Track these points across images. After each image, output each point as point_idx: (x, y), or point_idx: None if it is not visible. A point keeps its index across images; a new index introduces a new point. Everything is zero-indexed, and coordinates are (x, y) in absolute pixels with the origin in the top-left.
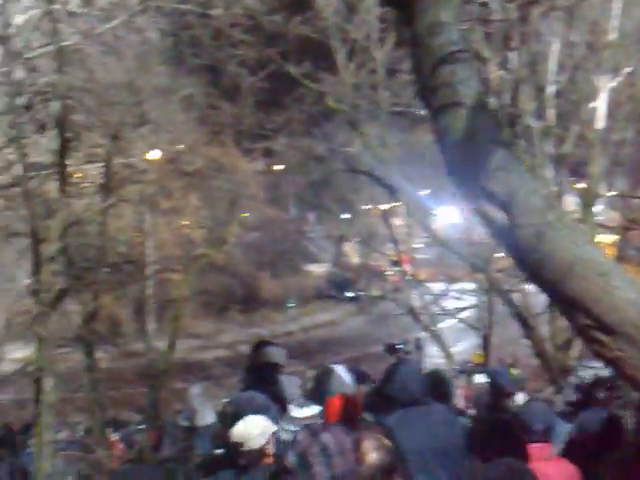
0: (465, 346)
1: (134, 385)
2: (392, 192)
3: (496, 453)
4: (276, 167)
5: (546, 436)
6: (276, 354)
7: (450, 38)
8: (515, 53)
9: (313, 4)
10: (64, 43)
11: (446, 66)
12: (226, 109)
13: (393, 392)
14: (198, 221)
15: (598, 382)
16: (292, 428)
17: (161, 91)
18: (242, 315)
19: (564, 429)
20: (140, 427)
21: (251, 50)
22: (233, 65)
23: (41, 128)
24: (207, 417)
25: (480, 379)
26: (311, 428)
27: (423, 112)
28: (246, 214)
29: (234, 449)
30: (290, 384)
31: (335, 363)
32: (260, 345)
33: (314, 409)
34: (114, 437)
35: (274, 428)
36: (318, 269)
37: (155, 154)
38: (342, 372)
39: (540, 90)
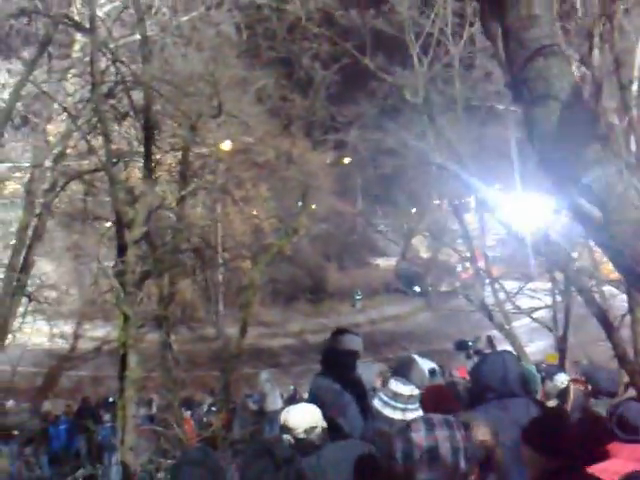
0: (538, 346)
1: (205, 368)
2: (467, 186)
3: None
4: (345, 160)
5: None
6: (355, 342)
7: (544, 31)
8: (597, 50)
9: None
10: (146, 34)
11: (540, 59)
12: (298, 102)
13: (492, 382)
14: (267, 211)
15: None
16: (398, 405)
17: (236, 83)
18: (309, 305)
19: None
20: (212, 408)
21: (325, 44)
22: (307, 58)
23: (123, 117)
24: (276, 402)
25: (560, 379)
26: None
27: (499, 106)
28: (314, 206)
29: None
30: (368, 371)
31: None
32: (339, 332)
33: (415, 389)
34: (186, 416)
35: (320, 421)
36: (386, 262)
37: (227, 145)
38: (422, 363)
39: (623, 88)
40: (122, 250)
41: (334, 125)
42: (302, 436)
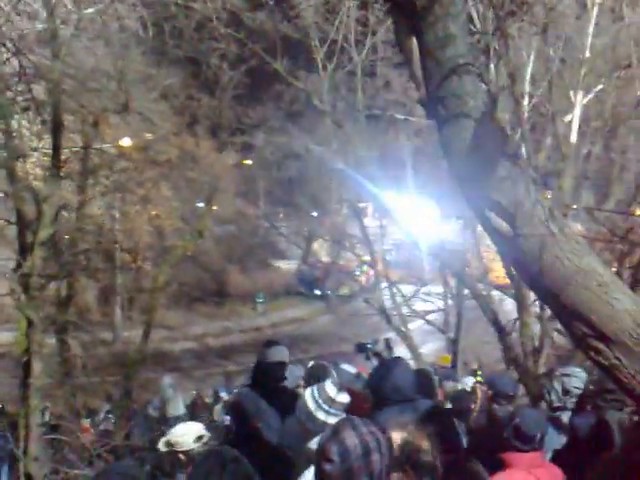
0: (431, 348)
1: (103, 373)
2: (367, 191)
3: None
4: (248, 161)
5: (540, 443)
6: (282, 353)
7: (459, 51)
8: (493, 65)
9: (294, 3)
10: (40, 26)
11: (455, 78)
12: (204, 101)
13: (386, 390)
14: (169, 211)
15: (587, 388)
16: (331, 410)
17: (141, 79)
18: (211, 308)
19: (553, 435)
20: (109, 415)
21: (232, 45)
22: (214, 58)
23: (24, 110)
24: (178, 408)
25: (467, 382)
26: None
27: (398, 116)
28: (217, 207)
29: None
30: (290, 374)
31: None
32: (267, 345)
33: (347, 397)
34: (86, 424)
35: (205, 435)
36: (287, 265)
37: (127, 141)
38: (345, 369)
39: (517, 103)
40: (24, 251)
41: (240, 127)
42: (192, 447)
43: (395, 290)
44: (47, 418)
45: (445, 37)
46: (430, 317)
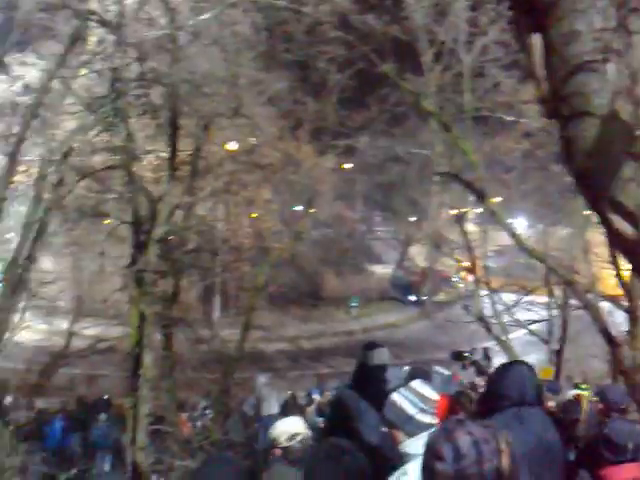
0: (533, 359)
1: (200, 370)
2: (471, 196)
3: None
4: (346, 165)
5: (635, 454)
6: (384, 355)
7: (585, 47)
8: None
9: (403, 5)
10: (160, 32)
11: (580, 75)
12: (310, 105)
13: (510, 391)
14: (269, 214)
15: None
16: (420, 405)
17: (251, 84)
18: (305, 310)
19: None
20: (205, 411)
21: (341, 47)
22: (322, 62)
23: (141, 114)
24: (272, 407)
25: (571, 393)
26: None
27: (507, 118)
28: (314, 210)
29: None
30: (394, 375)
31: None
32: (368, 347)
33: (436, 395)
34: (183, 418)
35: (301, 433)
36: (382, 270)
37: (233, 145)
38: (440, 371)
39: (637, 105)
40: (138, 249)
41: (343, 130)
42: (286, 444)
43: (495, 298)
44: (151, 410)
45: (571, 33)
46: (533, 327)
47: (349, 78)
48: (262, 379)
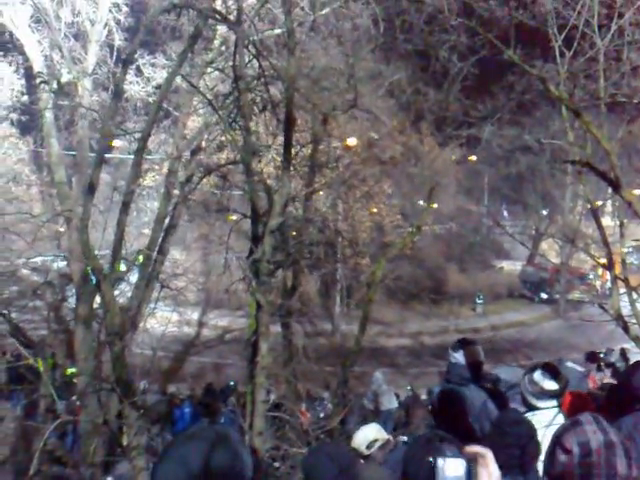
0: None
1: (321, 363)
2: (614, 187)
3: None
4: (471, 157)
5: None
6: (480, 353)
7: None
8: None
9: None
10: (278, 30)
11: None
12: (431, 95)
13: (638, 391)
14: (390, 208)
15: None
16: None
17: (370, 76)
18: (427, 306)
19: None
20: (326, 403)
21: (463, 35)
22: (444, 50)
23: (261, 110)
24: (391, 402)
25: None
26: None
27: None
28: (437, 205)
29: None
30: (512, 374)
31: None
32: (465, 343)
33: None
34: (302, 408)
35: (384, 437)
36: (511, 266)
37: (352, 140)
38: (572, 366)
39: None
40: (256, 240)
41: (467, 120)
42: (366, 453)
43: (635, 296)
44: (272, 399)
45: None
46: None
47: (472, 66)
48: (379, 374)
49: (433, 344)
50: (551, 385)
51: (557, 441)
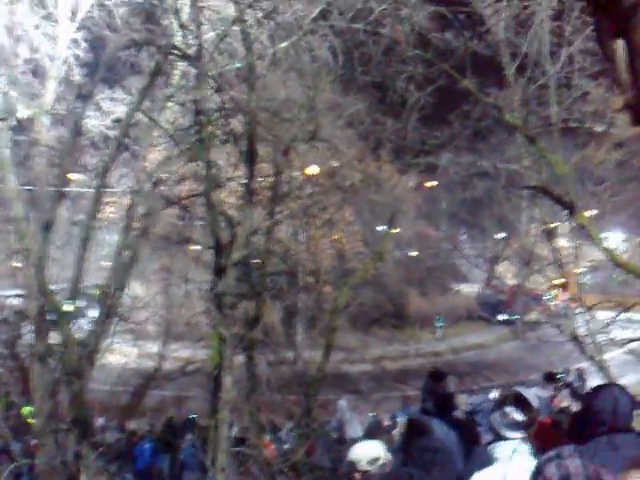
0: (631, 380)
1: (284, 391)
2: (569, 210)
3: None
4: (429, 184)
5: None
6: (453, 383)
7: None
8: None
9: (483, 21)
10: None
11: None
12: (389, 125)
13: (603, 415)
14: (351, 235)
15: None
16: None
17: (329, 108)
18: (389, 331)
19: None
20: (291, 433)
21: (420, 66)
22: (401, 81)
23: (223, 143)
24: (356, 430)
25: None
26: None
27: (597, 128)
28: (397, 229)
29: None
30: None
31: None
32: (438, 375)
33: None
34: (266, 440)
35: (382, 457)
36: (469, 289)
37: (314, 169)
38: (531, 396)
39: None
40: (218, 272)
41: (424, 148)
42: (366, 468)
43: (590, 316)
44: (234, 432)
45: None
46: (630, 346)
47: (429, 96)
48: (343, 402)
49: (395, 369)
50: (522, 417)
51: (539, 472)
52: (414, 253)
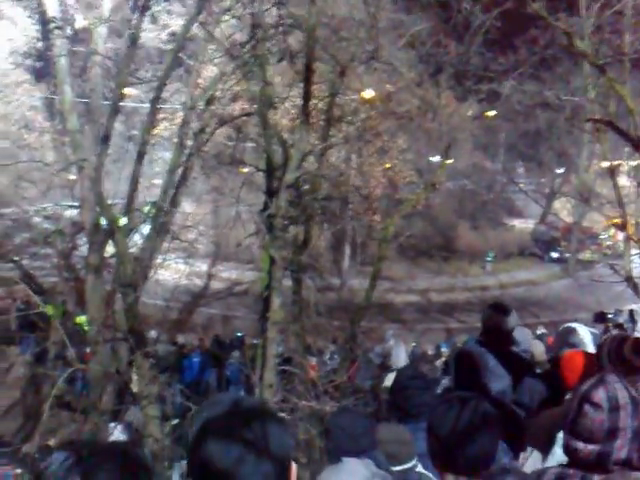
0: None
1: (329, 317)
2: (635, 146)
3: None
4: (489, 113)
5: None
6: (515, 319)
7: None
8: None
9: None
10: None
11: None
12: (452, 48)
13: None
14: (403, 163)
15: None
16: None
17: (391, 27)
18: (437, 263)
19: None
20: (334, 356)
21: None
22: (466, 1)
23: (279, 60)
24: (400, 359)
25: None
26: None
27: None
28: (452, 160)
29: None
30: (522, 335)
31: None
32: (502, 309)
33: None
34: (312, 362)
35: None
36: (523, 224)
37: (369, 93)
38: (583, 331)
39: None
40: (270, 194)
41: (487, 74)
42: None
43: None
44: (281, 351)
45: None
46: None
47: (495, 19)
48: (390, 331)
49: (440, 301)
50: None
51: (586, 397)
52: (468, 185)
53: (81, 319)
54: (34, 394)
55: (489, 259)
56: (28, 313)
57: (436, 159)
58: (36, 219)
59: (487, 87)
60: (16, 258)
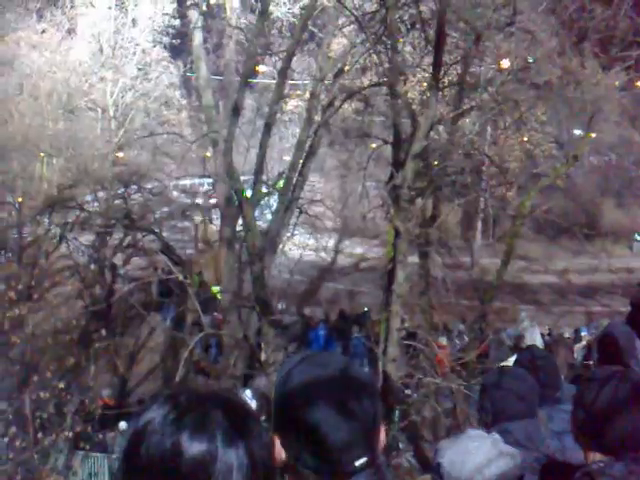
0: None
1: (458, 296)
2: None
3: None
4: (639, 82)
5: None
6: None
7: None
8: None
9: None
10: None
11: None
12: (597, 12)
13: None
14: (543, 136)
15: None
16: None
17: None
18: (578, 243)
19: None
20: (464, 336)
21: None
22: None
23: (410, 28)
24: (535, 341)
25: None
26: None
27: None
28: (595, 134)
29: None
30: None
31: None
32: None
33: None
34: (443, 341)
35: None
36: None
37: (505, 62)
38: None
39: None
40: (396, 166)
41: (636, 40)
42: None
43: None
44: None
45: None
46: None
47: None
48: (524, 312)
49: (581, 283)
50: None
51: None
52: (614, 160)
53: (215, 289)
54: (173, 358)
55: (638, 239)
56: (167, 280)
57: (578, 132)
58: (174, 193)
59: (636, 54)
60: (156, 230)
